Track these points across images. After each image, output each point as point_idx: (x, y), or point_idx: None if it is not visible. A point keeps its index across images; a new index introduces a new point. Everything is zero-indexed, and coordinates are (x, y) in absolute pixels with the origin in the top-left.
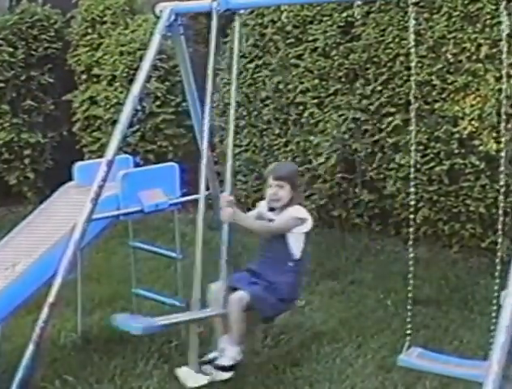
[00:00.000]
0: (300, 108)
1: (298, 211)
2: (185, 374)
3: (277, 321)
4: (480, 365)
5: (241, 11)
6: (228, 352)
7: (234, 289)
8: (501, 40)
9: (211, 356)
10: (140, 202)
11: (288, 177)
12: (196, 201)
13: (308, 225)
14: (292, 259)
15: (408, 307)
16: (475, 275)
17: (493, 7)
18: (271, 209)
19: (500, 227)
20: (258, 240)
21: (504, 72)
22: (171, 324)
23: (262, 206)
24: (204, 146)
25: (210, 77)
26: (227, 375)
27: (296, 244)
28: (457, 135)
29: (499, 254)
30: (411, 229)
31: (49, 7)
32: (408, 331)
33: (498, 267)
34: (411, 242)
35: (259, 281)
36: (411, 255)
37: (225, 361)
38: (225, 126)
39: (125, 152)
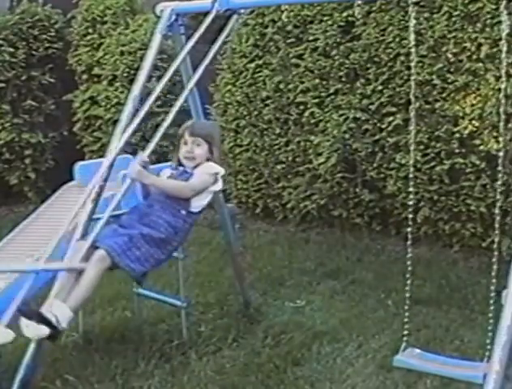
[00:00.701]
0: (301, 107)
1: (212, 166)
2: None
3: (278, 320)
4: (478, 366)
5: (242, 11)
6: (59, 312)
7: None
8: (501, 39)
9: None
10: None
11: (208, 136)
12: None
13: (219, 184)
14: (187, 209)
15: (406, 307)
16: (475, 275)
17: (494, 7)
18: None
19: (497, 226)
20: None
21: (503, 72)
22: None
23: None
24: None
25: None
26: (45, 330)
27: (199, 200)
28: (457, 135)
29: (495, 253)
30: (411, 229)
31: (50, 7)
32: (405, 332)
33: (495, 267)
34: (410, 242)
35: (130, 231)
36: (411, 255)
37: (50, 316)
38: (226, 126)
39: (126, 152)
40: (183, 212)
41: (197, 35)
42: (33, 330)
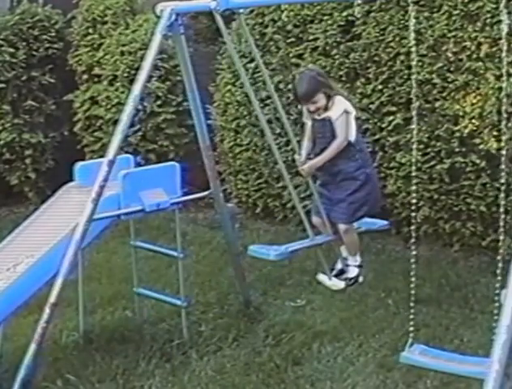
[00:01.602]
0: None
1: (339, 105)
2: (325, 280)
3: (278, 320)
4: (484, 362)
5: (241, 11)
6: (351, 261)
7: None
8: (501, 38)
9: (338, 267)
10: (141, 201)
11: (315, 90)
12: (197, 200)
13: (352, 111)
14: (351, 144)
15: (411, 304)
16: (475, 274)
17: (493, 6)
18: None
19: (501, 224)
20: None
21: (504, 70)
22: (299, 249)
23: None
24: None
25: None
26: (342, 284)
27: (349, 131)
28: (457, 134)
29: (501, 251)
30: (412, 228)
31: (50, 8)
32: (411, 328)
33: (500, 265)
34: (412, 240)
35: (338, 194)
36: (415, 253)
37: (353, 272)
38: (226, 126)
39: (127, 152)
40: (351, 148)
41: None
42: (338, 284)
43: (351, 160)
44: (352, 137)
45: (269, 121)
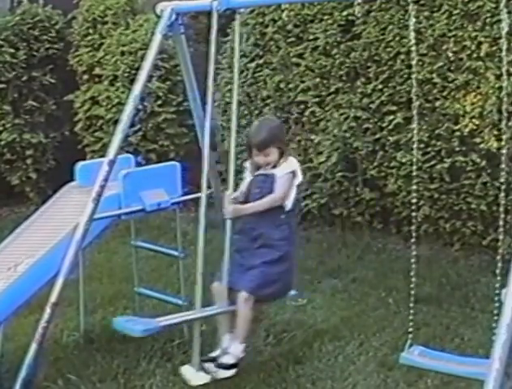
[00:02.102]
0: (301, 106)
1: (289, 164)
2: (187, 372)
3: (279, 319)
4: (483, 362)
5: (242, 10)
6: (233, 349)
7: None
8: (501, 37)
9: (214, 354)
10: (142, 201)
11: (272, 143)
12: (197, 200)
13: (299, 177)
14: (283, 212)
15: (410, 305)
16: (476, 273)
17: (493, 5)
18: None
19: (501, 224)
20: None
21: (504, 70)
22: (174, 324)
23: (247, 175)
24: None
25: (211, 75)
26: (229, 373)
27: (287, 197)
28: (458, 133)
29: (500, 251)
30: (412, 227)
31: (50, 8)
32: (410, 329)
33: (499, 265)
34: (413, 239)
35: (252, 261)
36: (413, 253)
37: (228, 360)
38: (226, 125)
39: (127, 152)
40: (282, 217)
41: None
42: (221, 374)
43: (276, 228)
44: (289, 204)
45: None
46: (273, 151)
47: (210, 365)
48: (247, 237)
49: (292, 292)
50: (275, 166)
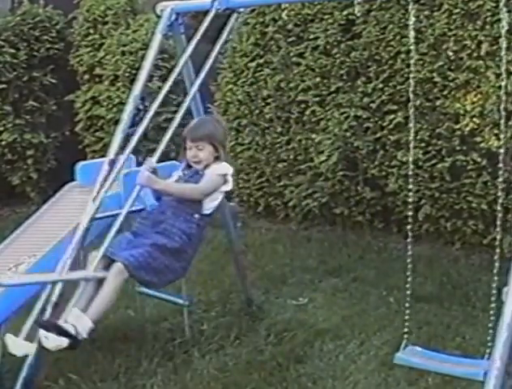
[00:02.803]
0: (302, 106)
1: (221, 167)
2: (10, 340)
3: (280, 318)
4: (478, 363)
5: (241, 10)
6: (79, 323)
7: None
8: (501, 37)
9: (58, 321)
10: (142, 200)
11: (208, 138)
12: None
13: (230, 184)
14: (199, 212)
15: (407, 305)
16: (477, 272)
17: (494, 4)
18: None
19: (499, 223)
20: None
21: (503, 69)
22: (28, 283)
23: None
24: None
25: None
26: (64, 342)
27: (210, 201)
28: (458, 132)
29: (497, 250)
30: (411, 226)
31: (51, 8)
32: (406, 330)
33: (497, 264)
34: (410, 239)
35: (145, 241)
36: (409, 253)
37: (69, 328)
38: (227, 125)
39: None
40: (196, 216)
41: (197, 35)
42: (53, 341)
43: (185, 222)
44: (207, 208)
45: (271, 120)
46: (207, 148)
47: (42, 331)
48: (150, 222)
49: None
50: (206, 167)
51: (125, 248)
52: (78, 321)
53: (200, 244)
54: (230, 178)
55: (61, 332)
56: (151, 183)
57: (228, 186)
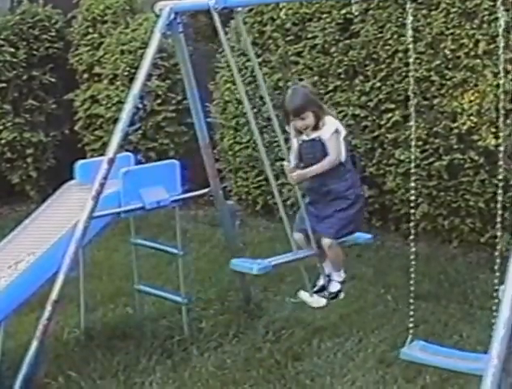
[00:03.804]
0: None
1: (330, 124)
2: (306, 297)
3: (278, 316)
4: (482, 358)
5: (239, 9)
6: (335, 276)
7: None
8: (498, 35)
9: (320, 283)
10: (141, 199)
11: (305, 106)
12: (197, 198)
13: (343, 131)
14: (342, 164)
15: (410, 301)
16: (474, 270)
17: (491, 3)
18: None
19: (499, 220)
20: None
21: (501, 68)
22: (282, 263)
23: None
24: None
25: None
26: (324, 301)
27: (341, 152)
28: (456, 131)
29: (498, 247)
30: (411, 224)
31: (50, 7)
32: (410, 325)
33: (498, 261)
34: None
35: (325, 210)
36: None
37: (335, 287)
38: (225, 124)
39: (127, 150)
40: (342, 168)
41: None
42: (318, 302)
43: (341, 180)
44: (343, 157)
45: (268, 119)
46: (309, 115)
47: (322, 293)
48: (318, 194)
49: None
50: (316, 128)
51: (317, 221)
52: (339, 278)
53: (358, 176)
54: (340, 126)
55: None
56: (303, 177)
57: (343, 133)
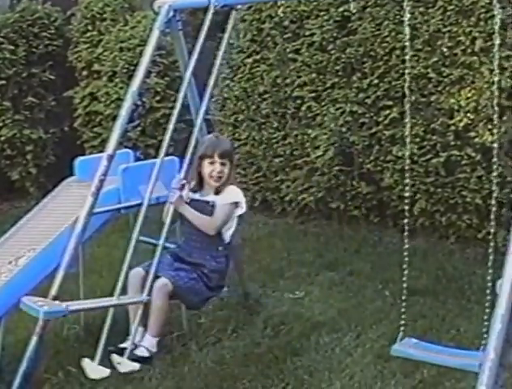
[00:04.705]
0: (298, 101)
1: (237, 194)
2: (87, 365)
3: (277, 311)
4: (475, 355)
5: (239, 7)
6: (146, 342)
7: (157, 277)
8: (494, 33)
9: (123, 345)
10: (141, 195)
11: (231, 155)
12: None
13: (243, 208)
14: (222, 244)
15: (403, 297)
16: (471, 266)
17: (487, 1)
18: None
19: (492, 217)
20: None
21: (495, 64)
22: (85, 310)
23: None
24: None
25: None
26: (136, 366)
27: (228, 229)
28: (453, 127)
29: (492, 244)
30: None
31: (50, 5)
32: (402, 322)
33: (491, 257)
34: (406, 233)
35: (185, 266)
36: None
37: (141, 352)
38: (224, 120)
39: (126, 147)
40: (220, 248)
41: (202, 35)
42: (126, 366)
43: (213, 259)
44: (227, 236)
45: (267, 116)
46: (229, 166)
47: (115, 357)
48: (183, 260)
49: None
50: (217, 191)
51: (167, 269)
52: (147, 342)
53: (228, 270)
54: (243, 203)
55: (136, 360)
56: (179, 205)
57: (242, 210)
